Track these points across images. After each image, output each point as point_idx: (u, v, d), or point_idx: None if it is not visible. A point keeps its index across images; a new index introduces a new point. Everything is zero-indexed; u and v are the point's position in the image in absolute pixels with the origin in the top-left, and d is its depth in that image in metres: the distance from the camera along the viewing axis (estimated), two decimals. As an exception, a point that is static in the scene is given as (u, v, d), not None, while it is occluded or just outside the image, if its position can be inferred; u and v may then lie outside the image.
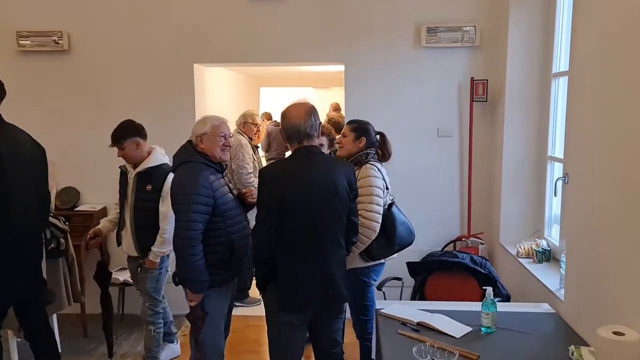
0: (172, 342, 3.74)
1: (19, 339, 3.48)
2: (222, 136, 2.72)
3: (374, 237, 2.88)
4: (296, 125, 2.40)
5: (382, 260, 3.07)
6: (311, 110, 2.45)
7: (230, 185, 2.79)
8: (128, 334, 4.12)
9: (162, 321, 3.50)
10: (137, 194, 3.27)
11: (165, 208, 3.10)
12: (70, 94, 4.30)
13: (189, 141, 2.76)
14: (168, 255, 3.35)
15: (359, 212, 2.78)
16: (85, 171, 4.37)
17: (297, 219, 2.37)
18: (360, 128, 3.04)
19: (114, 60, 4.26)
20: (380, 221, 2.89)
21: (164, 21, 4.21)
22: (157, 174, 3.24)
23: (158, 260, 3.29)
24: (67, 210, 4.23)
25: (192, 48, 4.23)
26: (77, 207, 4.31)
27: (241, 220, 2.76)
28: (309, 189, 2.38)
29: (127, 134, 3.25)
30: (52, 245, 3.51)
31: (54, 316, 3.79)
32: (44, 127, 4.26)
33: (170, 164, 3.06)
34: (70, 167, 4.33)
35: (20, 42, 4.18)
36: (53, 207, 4.26)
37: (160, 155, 3.33)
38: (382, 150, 3.12)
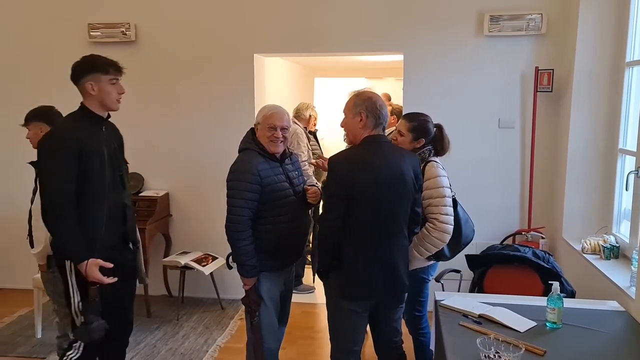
0: None
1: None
2: (271, 127, 2.62)
3: (448, 240, 2.73)
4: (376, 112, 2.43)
5: None
6: (383, 101, 2.50)
7: (291, 174, 2.74)
8: (189, 315, 4.27)
9: None
10: (34, 186, 2.95)
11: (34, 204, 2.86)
12: (136, 83, 4.42)
13: (252, 128, 2.78)
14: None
15: (434, 216, 2.68)
16: (149, 158, 4.54)
17: (365, 207, 2.37)
18: (419, 128, 2.80)
19: (177, 50, 4.39)
20: (453, 223, 2.74)
21: (226, 12, 4.30)
22: None
23: (42, 262, 2.95)
24: (132, 195, 4.39)
25: (252, 38, 4.30)
26: (141, 192, 4.49)
27: (293, 210, 2.70)
28: (378, 177, 2.37)
29: (35, 116, 2.95)
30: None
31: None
32: (111, 115, 4.47)
33: None
34: (136, 154, 4.47)
35: (91, 33, 4.36)
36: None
37: None
38: (438, 144, 2.90)
